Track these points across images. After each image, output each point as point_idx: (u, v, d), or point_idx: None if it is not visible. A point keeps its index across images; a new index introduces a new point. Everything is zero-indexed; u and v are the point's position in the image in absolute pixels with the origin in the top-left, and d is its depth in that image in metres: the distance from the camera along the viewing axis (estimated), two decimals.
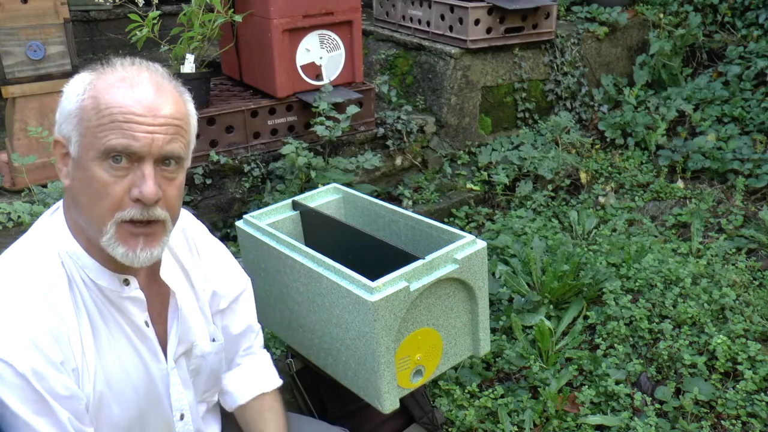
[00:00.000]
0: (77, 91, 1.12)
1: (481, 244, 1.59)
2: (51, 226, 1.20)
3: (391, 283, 1.43)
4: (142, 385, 1.23)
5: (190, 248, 1.40)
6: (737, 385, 2.24)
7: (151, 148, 1.09)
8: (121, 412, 1.19)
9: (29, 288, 1.10)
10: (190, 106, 1.21)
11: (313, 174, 2.74)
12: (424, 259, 1.50)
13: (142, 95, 1.10)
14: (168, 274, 1.28)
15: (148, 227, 1.13)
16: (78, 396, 1.11)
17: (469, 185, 3.52)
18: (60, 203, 1.23)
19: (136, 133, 1.08)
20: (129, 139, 1.08)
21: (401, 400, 1.54)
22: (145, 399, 1.24)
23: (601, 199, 3.51)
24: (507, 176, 3.50)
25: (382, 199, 1.93)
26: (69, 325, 1.11)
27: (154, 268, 1.26)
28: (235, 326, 1.46)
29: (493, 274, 2.85)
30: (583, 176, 3.64)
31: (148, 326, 1.24)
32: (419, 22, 3.94)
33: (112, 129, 1.08)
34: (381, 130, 3.32)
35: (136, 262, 1.14)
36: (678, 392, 2.29)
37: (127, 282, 1.20)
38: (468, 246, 1.57)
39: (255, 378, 1.48)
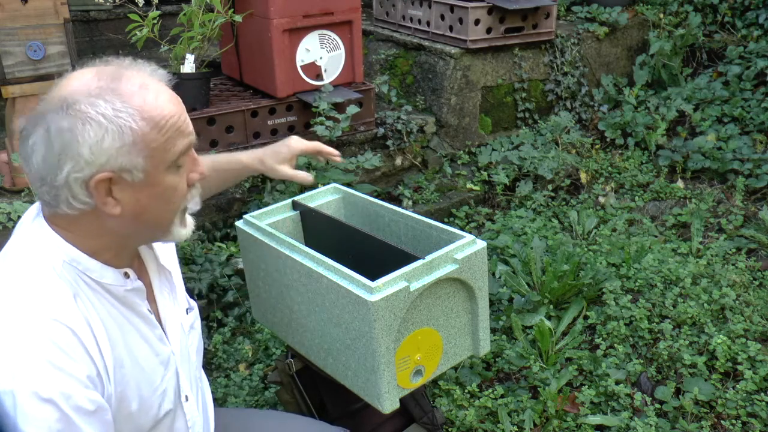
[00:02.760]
0: (112, 126, 1.04)
1: (481, 244, 1.59)
2: (37, 236, 1.14)
3: (391, 283, 1.43)
4: (158, 374, 1.24)
5: None
6: (737, 385, 2.24)
7: (192, 135, 1.16)
8: (139, 406, 1.19)
9: (33, 311, 1.06)
10: None
11: (313, 174, 2.74)
12: (424, 259, 1.50)
13: (167, 93, 1.13)
14: (149, 255, 1.31)
15: None
16: (103, 407, 1.09)
17: (469, 185, 3.52)
18: (31, 212, 1.18)
19: (187, 129, 1.14)
20: (188, 135, 1.14)
21: (401, 400, 1.54)
22: (162, 387, 1.24)
23: (601, 199, 3.51)
24: (507, 176, 3.50)
25: (382, 199, 1.93)
26: (82, 334, 1.08)
27: (139, 255, 1.29)
28: None
29: (493, 274, 2.86)
30: (583, 176, 3.64)
31: (151, 313, 1.25)
32: (419, 22, 3.95)
33: (177, 135, 1.11)
34: (381, 130, 3.32)
35: (186, 237, 1.21)
36: (678, 392, 2.29)
37: (127, 275, 1.20)
38: (468, 246, 1.57)
39: None
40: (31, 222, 1.16)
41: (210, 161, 1.64)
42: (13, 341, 1.03)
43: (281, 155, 1.73)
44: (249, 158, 1.72)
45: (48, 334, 1.04)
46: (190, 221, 1.22)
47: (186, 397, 1.33)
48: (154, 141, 1.07)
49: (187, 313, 1.39)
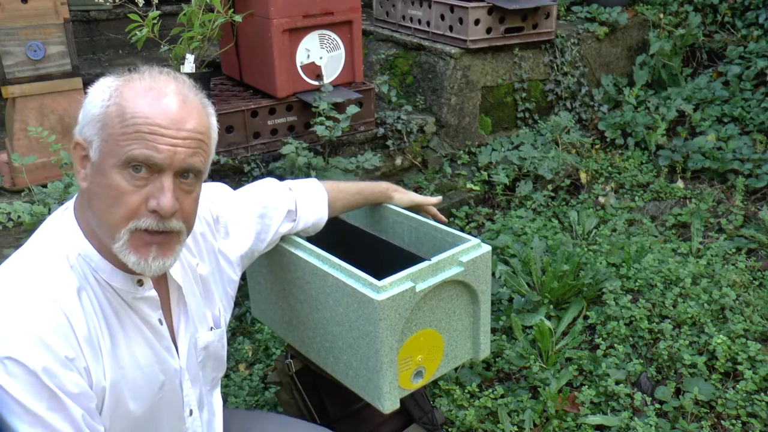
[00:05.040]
0: (103, 96, 1.12)
1: (486, 248, 1.59)
2: (62, 225, 1.20)
3: (397, 283, 1.43)
4: (158, 381, 1.24)
5: (210, 226, 1.43)
6: (737, 385, 2.24)
7: (172, 161, 1.10)
8: (136, 408, 1.20)
9: (36, 289, 1.11)
10: (213, 120, 1.22)
11: (313, 174, 2.74)
12: (430, 260, 1.50)
13: (167, 107, 1.10)
14: (174, 269, 1.29)
15: (163, 236, 1.14)
16: (88, 394, 1.12)
17: (469, 185, 3.52)
18: (72, 201, 1.23)
19: (159, 145, 1.08)
20: (151, 150, 1.08)
21: (401, 400, 1.54)
22: (159, 395, 1.25)
23: (601, 199, 3.51)
24: (507, 176, 3.50)
25: None
26: (77, 324, 1.12)
27: None
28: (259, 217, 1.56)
29: (493, 274, 2.85)
30: (583, 176, 3.64)
31: (162, 324, 1.25)
32: (419, 22, 3.94)
33: (136, 139, 1.08)
34: (381, 130, 3.31)
35: (148, 271, 1.15)
36: (678, 392, 2.29)
37: (141, 282, 1.20)
38: (473, 249, 1.58)
39: (311, 202, 1.65)
40: (63, 211, 1.23)
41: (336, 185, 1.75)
42: (11, 313, 1.07)
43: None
44: (386, 186, 1.86)
45: (44, 311, 1.09)
46: (151, 261, 1.14)
47: (190, 411, 1.33)
48: (112, 127, 1.10)
49: (210, 330, 1.39)
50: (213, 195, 1.49)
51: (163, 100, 1.10)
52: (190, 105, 1.14)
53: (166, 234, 1.14)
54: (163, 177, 1.10)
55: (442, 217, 1.94)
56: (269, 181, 1.65)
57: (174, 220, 1.13)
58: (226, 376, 2.40)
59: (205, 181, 2.78)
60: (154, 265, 1.14)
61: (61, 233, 1.18)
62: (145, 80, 1.12)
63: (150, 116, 1.08)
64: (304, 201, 1.64)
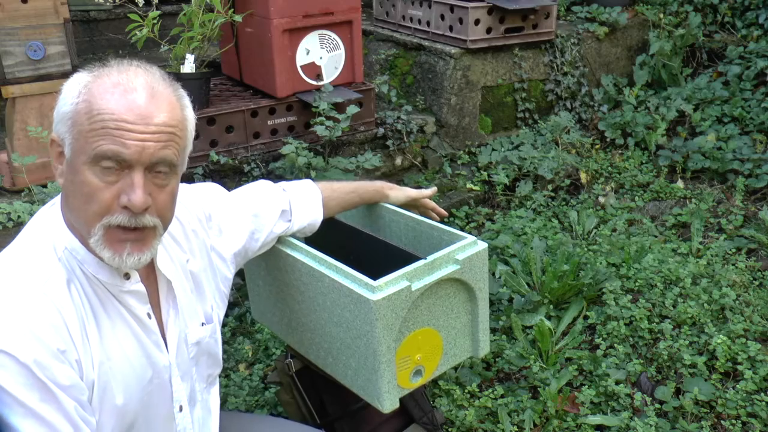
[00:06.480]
0: (72, 93, 1.12)
1: (483, 245, 1.59)
2: (49, 220, 1.21)
3: (392, 283, 1.43)
4: (146, 375, 1.24)
5: (203, 223, 1.43)
6: (737, 385, 2.24)
7: (141, 156, 1.09)
8: (125, 402, 1.20)
9: (27, 282, 1.11)
10: (188, 112, 1.20)
11: (313, 174, 2.74)
12: (425, 259, 1.50)
13: (134, 102, 1.10)
14: (163, 263, 1.29)
15: (137, 233, 1.14)
16: (80, 386, 1.12)
17: (469, 185, 3.52)
18: (58, 197, 1.24)
19: (126, 141, 1.08)
20: (119, 146, 1.08)
21: (401, 400, 1.54)
22: (148, 389, 1.25)
23: (601, 199, 3.51)
24: (507, 176, 3.50)
25: None
26: (67, 317, 1.12)
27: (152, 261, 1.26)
28: (252, 219, 1.56)
29: (493, 274, 2.85)
30: (583, 176, 3.64)
31: (150, 318, 1.25)
32: (419, 22, 3.95)
33: (103, 135, 1.08)
34: (381, 130, 3.32)
35: (123, 266, 1.15)
36: (678, 392, 2.29)
37: (127, 276, 1.21)
38: (469, 247, 1.57)
39: (305, 202, 1.66)
40: (50, 207, 1.23)
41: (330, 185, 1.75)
42: (2, 306, 1.08)
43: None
44: (381, 184, 1.86)
45: (35, 304, 1.10)
46: (126, 256, 1.14)
47: (180, 407, 1.33)
48: (81, 125, 1.10)
49: (202, 325, 1.38)
50: (206, 193, 1.50)
51: (129, 96, 1.10)
52: (160, 98, 1.13)
53: (140, 230, 1.14)
54: (133, 173, 1.10)
55: (441, 210, 1.94)
56: (263, 183, 1.66)
57: (147, 216, 1.13)
58: (226, 376, 2.40)
59: (204, 181, 2.79)
60: (129, 261, 1.14)
61: (48, 228, 1.19)
62: (113, 75, 1.12)
63: (116, 112, 1.08)
64: (298, 201, 1.64)
